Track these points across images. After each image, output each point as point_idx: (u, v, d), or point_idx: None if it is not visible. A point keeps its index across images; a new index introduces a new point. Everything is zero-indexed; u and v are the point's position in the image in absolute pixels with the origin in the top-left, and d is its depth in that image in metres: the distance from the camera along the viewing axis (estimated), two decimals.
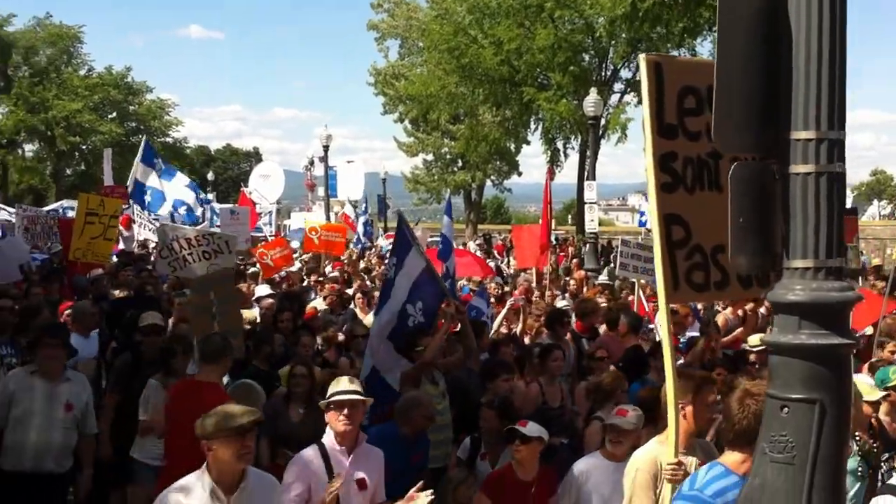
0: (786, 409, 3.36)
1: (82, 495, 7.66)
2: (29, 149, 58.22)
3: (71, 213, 22.51)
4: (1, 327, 8.94)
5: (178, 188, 26.04)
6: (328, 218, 32.04)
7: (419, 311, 8.97)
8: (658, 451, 5.15)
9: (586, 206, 27.50)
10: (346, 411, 5.54)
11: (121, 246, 20.24)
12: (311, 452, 5.61)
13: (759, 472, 3.45)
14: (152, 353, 8.28)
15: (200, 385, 7.08)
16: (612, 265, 25.71)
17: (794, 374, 3.36)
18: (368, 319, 11.44)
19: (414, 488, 5.37)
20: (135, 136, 57.29)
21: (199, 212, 26.65)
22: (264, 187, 37.01)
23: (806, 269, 3.36)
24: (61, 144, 53.47)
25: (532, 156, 48.14)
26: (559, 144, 39.19)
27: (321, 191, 40.19)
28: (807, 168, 3.34)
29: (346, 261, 22.03)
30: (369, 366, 8.61)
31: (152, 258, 19.46)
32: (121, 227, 23.50)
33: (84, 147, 55.64)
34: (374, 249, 27.67)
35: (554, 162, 39.12)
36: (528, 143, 44.43)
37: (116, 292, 12.88)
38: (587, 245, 27.38)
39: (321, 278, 17.30)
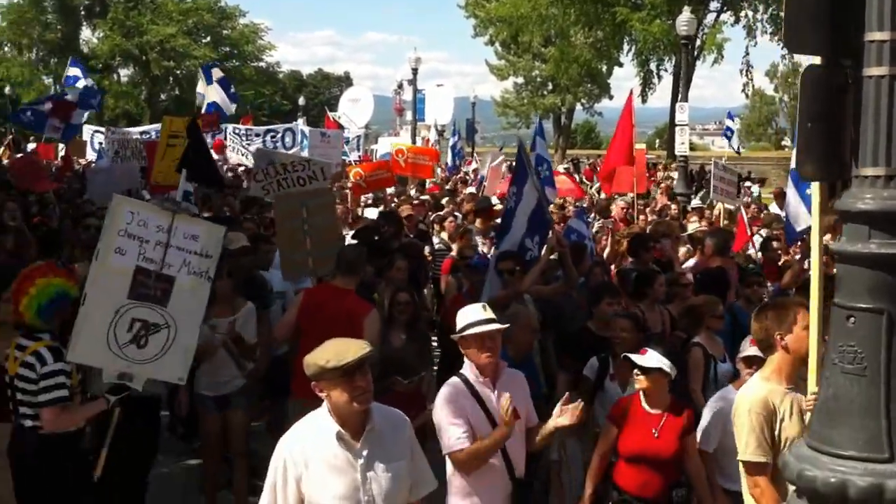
0: (852, 319, 3.28)
1: (184, 410, 7.49)
2: (124, 74, 59.34)
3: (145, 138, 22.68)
4: (90, 245, 8.35)
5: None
6: (414, 142, 32.01)
7: (536, 245, 8.58)
8: (765, 389, 4.82)
9: (677, 129, 26.82)
10: (487, 343, 5.08)
11: None
12: (455, 387, 5.18)
13: (830, 382, 3.38)
14: (240, 276, 7.78)
15: (336, 290, 7.22)
16: (704, 190, 25.33)
17: (861, 284, 3.26)
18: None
19: (562, 400, 5.17)
20: (228, 60, 57.91)
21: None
22: (353, 112, 37.12)
23: (877, 177, 3.21)
24: (155, 69, 54.40)
25: (624, 78, 47.08)
26: (652, 66, 38.24)
27: (410, 115, 40.16)
28: (881, 71, 3.17)
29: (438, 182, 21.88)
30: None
31: (244, 183, 19.67)
32: (212, 152, 23.95)
33: (178, 72, 56.54)
34: (460, 174, 27.63)
35: (647, 85, 38.46)
36: (620, 65, 43.57)
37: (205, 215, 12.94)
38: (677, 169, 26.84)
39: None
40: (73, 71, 28.44)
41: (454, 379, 5.21)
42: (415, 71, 37.23)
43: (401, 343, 7.28)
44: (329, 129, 25.52)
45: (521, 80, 50.56)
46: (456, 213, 15.00)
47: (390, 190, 18.73)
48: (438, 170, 25.85)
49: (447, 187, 23.08)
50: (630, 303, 8.05)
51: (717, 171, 13.71)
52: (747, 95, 43.19)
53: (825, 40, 3.38)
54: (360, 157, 27.46)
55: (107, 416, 5.67)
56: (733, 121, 30.41)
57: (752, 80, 38.67)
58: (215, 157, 22.55)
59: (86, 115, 20.94)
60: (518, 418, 5.06)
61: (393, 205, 16.84)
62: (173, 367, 5.78)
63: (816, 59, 3.54)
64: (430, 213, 15.77)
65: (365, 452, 4.12)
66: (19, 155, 20.80)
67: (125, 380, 5.63)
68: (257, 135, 25.01)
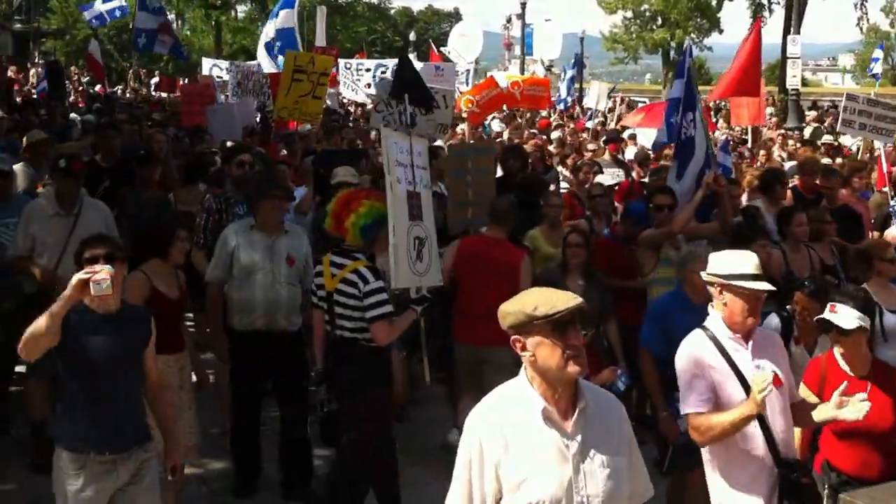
0: None
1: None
2: (241, 9, 59.94)
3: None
4: (242, 183, 8.10)
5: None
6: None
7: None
8: None
9: (789, 62, 26.43)
10: (754, 303, 4.48)
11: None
12: (698, 342, 4.59)
13: None
14: None
15: (488, 239, 7.31)
16: (817, 124, 25.06)
17: None
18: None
19: (840, 389, 4.47)
20: None
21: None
22: (462, 46, 37.55)
23: None
24: (271, 4, 55.19)
25: (734, 12, 46.07)
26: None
27: (518, 50, 40.36)
28: None
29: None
30: None
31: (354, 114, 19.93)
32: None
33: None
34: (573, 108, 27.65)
35: (757, 18, 37.55)
36: None
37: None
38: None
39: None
40: None
41: (698, 332, 4.64)
42: (523, 5, 37.37)
43: (578, 290, 6.48)
44: (434, 62, 25.64)
45: (629, 14, 50.09)
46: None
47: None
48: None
49: (556, 121, 23.28)
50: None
51: (855, 104, 12.25)
52: (862, 31, 41.77)
53: None
54: None
55: (416, 325, 6.21)
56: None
57: (867, 14, 37.67)
58: (330, 90, 23.34)
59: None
60: (780, 384, 4.42)
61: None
62: (436, 274, 6.47)
63: None
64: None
65: (579, 438, 3.27)
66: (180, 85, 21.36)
67: (420, 293, 6.19)
68: (367, 69, 24.84)
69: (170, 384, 5.71)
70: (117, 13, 27.40)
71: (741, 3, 39.98)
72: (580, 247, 7.15)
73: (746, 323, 4.48)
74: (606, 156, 13.86)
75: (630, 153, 14.94)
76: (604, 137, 15.60)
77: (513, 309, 3.30)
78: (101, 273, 4.29)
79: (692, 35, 47.40)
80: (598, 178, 11.26)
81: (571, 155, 14.95)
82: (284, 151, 12.76)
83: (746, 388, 4.34)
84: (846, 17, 36.15)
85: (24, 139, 10.42)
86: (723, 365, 4.48)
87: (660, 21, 48.20)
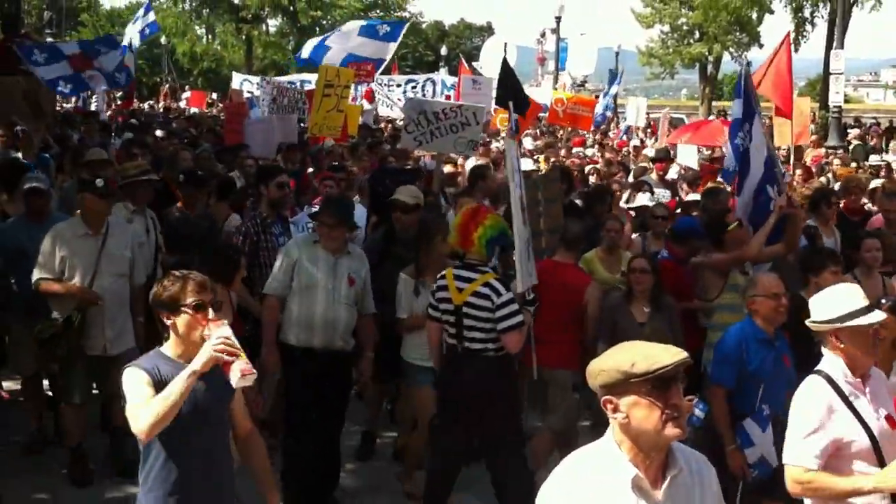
0: None
1: (364, 379, 7.10)
2: (272, 24, 60.07)
3: (308, 87, 22.64)
4: (281, 203, 8.21)
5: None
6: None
7: (777, 196, 7.78)
8: None
9: (832, 77, 25.69)
10: (873, 336, 4.20)
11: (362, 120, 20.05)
12: (820, 390, 4.20)
13: None
14: (404, 234, 7.63)
15: (557, 264, 7.32)
16: (859, 142, 24.25)
17: None
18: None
19: None
20: (374, 10, 58.00)
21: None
22: (494, 62, 37.02)
23: None
24: (303, 19, 54.98)
25: (775, 26, 45.13)
26: (806, 13, 36.45)
27: (552, 65, 39.77)
28: None
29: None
30: None
31: (387, 133, 19.57)
32: (364, 101, 24.04)
33: (325, 21, 57.32)
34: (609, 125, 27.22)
35: (799, 32, 36.63)
36: (771, 11, 41.75)
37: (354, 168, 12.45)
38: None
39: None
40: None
41: (817, 379, 4.24)
42: (558, 20, 36.82)
43: (645, 318, 6.75)
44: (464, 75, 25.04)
45: (666, 28, 49.19)
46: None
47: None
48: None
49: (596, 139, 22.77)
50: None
51: None
52: None
53: None
54: None
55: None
56: None
57: None
58: (367, 106, 22.72)
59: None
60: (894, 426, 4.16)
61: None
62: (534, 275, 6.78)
63: None
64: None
65: None
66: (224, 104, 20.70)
67: (532, 295, 6.52)
68: (398, 85, 24.83)
69: None
70: (147, 32, 27.20)
71: (782, 16, 39.00)
72: (645, 272, 6.91)
73: (869, 361, 4.23)
74: (654, 175, 13.53)
75: (672, 172, 14.72)
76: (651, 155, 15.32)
77: (606, 366, 2.94)
78: (245, 364, 3.83)
79: (730, 49, 46.43)
80: (640, 198, 10.97)
81: (618, 174, 14.46)
82: (311, 169, 12.60)
83: (869, 434, 4.07)
84: (890, 30, 35.13)
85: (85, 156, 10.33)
86: (845, 412, 4.13)
87: (697, 35, 47.25)
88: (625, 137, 25.41)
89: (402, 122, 14.28)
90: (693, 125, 19.79)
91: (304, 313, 6.55)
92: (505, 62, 9.79)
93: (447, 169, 12.20)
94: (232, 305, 6.24)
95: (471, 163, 13.28)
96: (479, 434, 6.22)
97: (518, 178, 6.83)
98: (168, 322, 4.08)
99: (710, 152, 18.26)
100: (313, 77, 27.40)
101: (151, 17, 27.09)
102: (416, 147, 12.30)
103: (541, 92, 30.76)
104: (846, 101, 35.61)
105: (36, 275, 6.86)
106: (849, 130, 28.85)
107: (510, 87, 10.75)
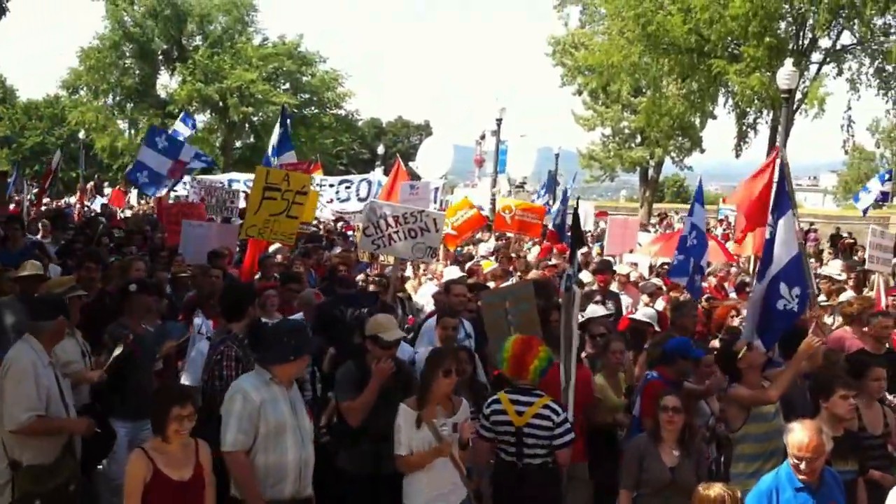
0: None
1: None
2: (200, 119, 58.50)
3: (237, 186, 21.46)
4: (208, 294, 8.35)
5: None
6: (493, 195, 30.41)
7: (796, 299, 7.71)
8: None
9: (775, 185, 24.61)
10: None
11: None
12: None
13: None
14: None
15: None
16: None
17: None
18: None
19: None
20: (307, 107, 57.38)
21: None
22: (432, 161, 35.67)
23: None
24: (233, 115, 53.70)
25: (716, 131, 44.60)
26: (749, 119, 36.00)
27: (490, 167, 38.57)
28: None
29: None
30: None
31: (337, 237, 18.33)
32: None
33: (255, 118, 55.84)
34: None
35: (742, 139, 36.13)
36: (714, 117, 41.30)
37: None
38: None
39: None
40: (181, 126, 26.74)
41: None
42: (499, 122, 35.67)
43: (675, 462, 6.61)
44: (395, 179, 23.79)
45: (608, 131, 48.64)
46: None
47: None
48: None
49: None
50: None
51: (875, 237, 12.42)
52: (847, 151, 40.54)
53: None
54: (436, 208, 26.01)
55: None
56: (883, 184, 27.60)
57: (853, 135, 36.29)
58: None
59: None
60: None
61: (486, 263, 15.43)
62: None
63: None
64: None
65: None
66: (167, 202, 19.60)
67: None
68: (331, 185, 23.80)
69: None
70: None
71: (726, 121, 38.50)
72: (678, 412, 6.64)
73: None
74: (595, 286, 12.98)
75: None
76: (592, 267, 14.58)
77: None
78: None
79: (672, 154, 45.91)
80: (591, 309, 10.60)
81: None
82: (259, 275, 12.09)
83: None
84: (826, 136, 34.79)
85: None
86: None
87: (639, 139, 46.71)
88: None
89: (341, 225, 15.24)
90: (664, 236, 19.78)
91: (275, 462, 5.96)
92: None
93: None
94: (196, 455, 5.88)
95: (451, 271, 13.11)
96: None
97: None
98: None
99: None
100: (242, 177, 25.91)
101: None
102: (374, 250, 12.34)
103: (478, 193, 29.46)
104: None
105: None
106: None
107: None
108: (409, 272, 15.05)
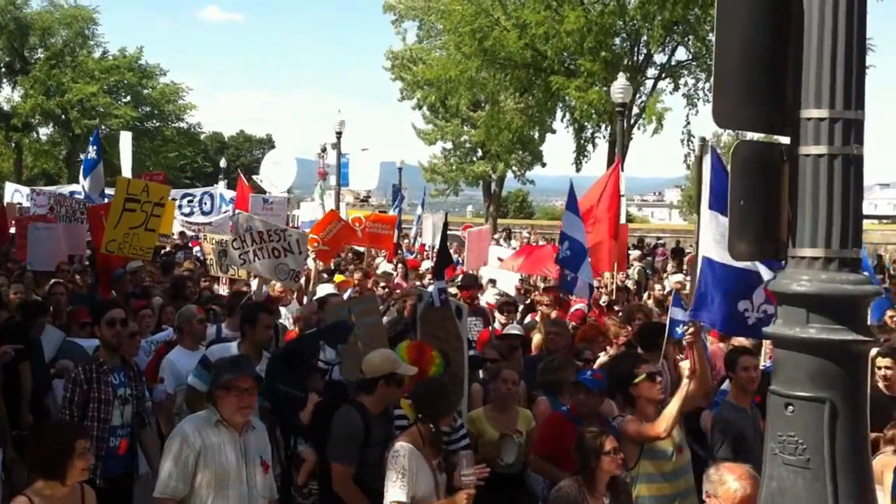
0: (791, 408, 3.23)
1: None
2: (43, 132, 57.48)
3: (79, 198, 20.55)
4: (116, 344, 7.06)
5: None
6: (338, 208, 30.24)
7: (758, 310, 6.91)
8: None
9: None
10: None
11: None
12: None
13: (773, 474, 3.29)
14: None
15: None
16: (640, 265, 23.91)
17: (800, 371, 3.21)
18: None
19: None
20: (149, 120, 56.74)
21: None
22: (275, 175, 35.23)
23: (815, 258, 3.22)
24: (76, 128, 52.69)
25: (557, 145, 45.70)
26: (588, 133, 36.77)
27: (333, 180, 38.37)
28: (819, 150, 3.21)
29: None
30: None
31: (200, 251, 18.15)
32: None
33: (99, 131, 54.26)
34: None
35: (581, 153, 36.80)
36: (553, 131, 42.23)
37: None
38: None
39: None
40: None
41: None
42: (339, 135, 35.57)
43: None
44: (243, 192, 23.41)
45: (449, 145, 49.15)
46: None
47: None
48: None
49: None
50: None
51: None
52: (689, 166, 42.13)
53: (754, 117, 3.34)
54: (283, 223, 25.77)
55: None
56: None
57: (693, 150, 37.63)
58: None
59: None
60: None
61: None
62: None
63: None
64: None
65: None
66: None
67: None
68: (173, 199, 22.85)
69: None
70: None
71: (563, 137, 39.30)
72: (619, 452, 5.80)
73: None
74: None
75: (489, 296, 14.48)
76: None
77: None
78: None
79: (514, 168, 46.68)
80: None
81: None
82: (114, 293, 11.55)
83: None
84: (672, 151, 35.97)
85: None
86: None
87: (480, 153, 47.32)
88: (418, 257, 24.32)
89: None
90: (525, 249, 19.48)
91: None
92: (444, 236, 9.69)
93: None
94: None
95: (325, 288, 12.47)
96: None
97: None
98: None
99: (536, 279, 17.54)
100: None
101: None
102: (241, 265, 11.87)
103: (317, 208, 29.29)
104: (630, 221, 35.88)
105: None
106: (629, 252, 28.60)
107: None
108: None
